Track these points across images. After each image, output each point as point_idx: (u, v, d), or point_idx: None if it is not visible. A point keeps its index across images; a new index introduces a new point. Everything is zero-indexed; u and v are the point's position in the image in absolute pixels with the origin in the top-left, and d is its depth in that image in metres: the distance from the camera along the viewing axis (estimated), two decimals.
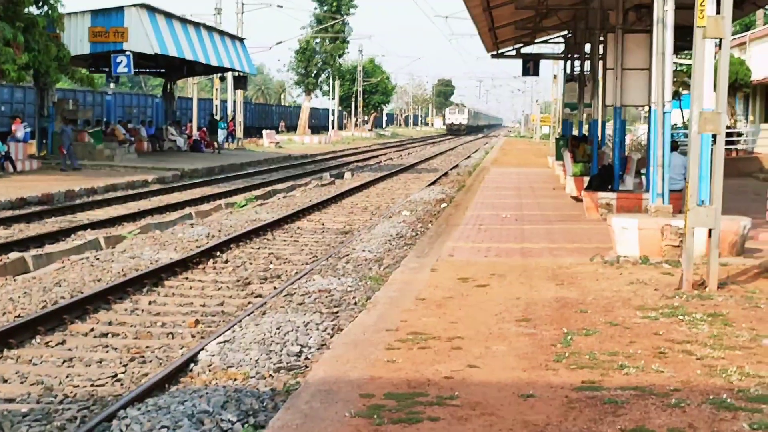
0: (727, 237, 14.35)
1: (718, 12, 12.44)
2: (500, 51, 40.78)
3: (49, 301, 12.85)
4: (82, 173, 35.81)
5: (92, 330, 11.71)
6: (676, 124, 42.57)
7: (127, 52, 41.18)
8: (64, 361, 10.32)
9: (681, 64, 41.36)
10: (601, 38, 25.28)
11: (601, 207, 20.27)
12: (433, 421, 6.89)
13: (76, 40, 40.80)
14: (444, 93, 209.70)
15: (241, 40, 57.36)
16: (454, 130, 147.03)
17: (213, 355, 9.84)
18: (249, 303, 13.39)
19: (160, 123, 58.51)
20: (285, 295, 13.16)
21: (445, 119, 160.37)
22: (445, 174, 43.52)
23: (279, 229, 21.70)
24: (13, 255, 16.67)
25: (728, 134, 42.22)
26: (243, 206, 26.95)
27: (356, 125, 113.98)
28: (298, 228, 22.19)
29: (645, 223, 14.87)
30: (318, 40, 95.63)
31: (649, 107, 17.98)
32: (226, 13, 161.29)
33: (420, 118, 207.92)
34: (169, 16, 45.16)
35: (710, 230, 12.39)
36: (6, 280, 14.38)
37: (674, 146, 20.56)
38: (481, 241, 17.44)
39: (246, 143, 67.75)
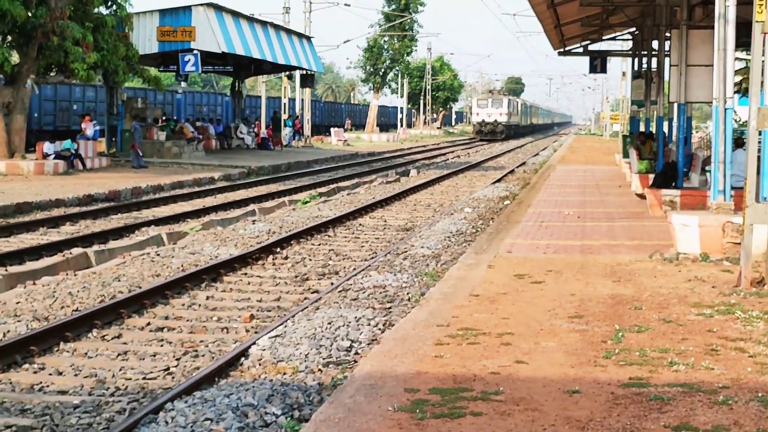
0: None
1: None
2: (567, 48, 40.49)
3: (107, 296, 12.99)
4: (149, 170, 36.22)
5: (148, 324, 11.81)
6: (745, 122, 41.90)
7: (195, 51, 41.62)
8: (119, 355, 10.43)
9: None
10: (668, 35, 24.99)
11: (664, 204, 20.06)
12: (475, 416, 6.87)
13: (145, 40, 41.32)
14: (514, 91, 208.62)
15: (308, 38, 57.67)
16: (486, 134, 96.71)
17: (264, 350, 9.88)
18: (305, 298, 13.42)
19: (230, 121, 59.01)
20: (340, 291, 13.19)
21: (472, 116, 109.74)
22: (511, 171, 43.31)
23: (341, 225, 21.74)
24: (76, 250, 16.90)
25: None
26: (306, 203, 27.04)
27: (425, 123, 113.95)
28: (360, 225, 22.22)
29: (706, 220, 14.69)
30: (386, 38, 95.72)
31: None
32: (294, 11, 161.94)
33: None
34: (236, 15, 45.59)
35: None
36: (67, 275, 14.58)
37: (740, 143, 20.25)
38: (540, 238, 17.35)
39: (314, 141, 68.09)
